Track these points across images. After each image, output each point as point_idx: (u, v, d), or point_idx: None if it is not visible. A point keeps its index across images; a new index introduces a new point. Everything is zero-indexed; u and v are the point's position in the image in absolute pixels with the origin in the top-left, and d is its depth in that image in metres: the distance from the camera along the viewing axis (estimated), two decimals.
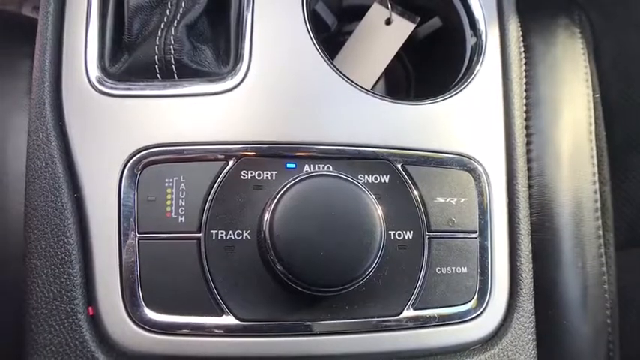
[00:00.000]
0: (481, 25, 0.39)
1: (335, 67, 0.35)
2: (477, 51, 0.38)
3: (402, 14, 0.43)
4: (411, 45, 0.43)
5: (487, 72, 0.38)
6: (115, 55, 0.36)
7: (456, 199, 0.35)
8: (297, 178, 0.31)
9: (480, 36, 0.39)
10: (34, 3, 0.75)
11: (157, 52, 0.34)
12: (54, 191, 0.32)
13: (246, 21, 0.35)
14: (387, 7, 0.43)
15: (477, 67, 0.38)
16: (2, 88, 0.36)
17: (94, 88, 0.33)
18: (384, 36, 0.43)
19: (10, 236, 0.34)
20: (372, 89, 0.41)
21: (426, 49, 0.44)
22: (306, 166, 0.33)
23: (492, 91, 0.38)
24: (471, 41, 0.39)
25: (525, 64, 0.42)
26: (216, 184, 0.32)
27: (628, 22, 0.49)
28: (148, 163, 0.32)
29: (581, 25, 0.45)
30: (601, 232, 0.41)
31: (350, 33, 0.44)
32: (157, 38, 0.34)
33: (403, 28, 0.42)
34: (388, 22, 0.43)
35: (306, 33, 0.35)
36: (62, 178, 0.32)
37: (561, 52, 0.43)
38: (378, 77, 0.42)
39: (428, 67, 0.45)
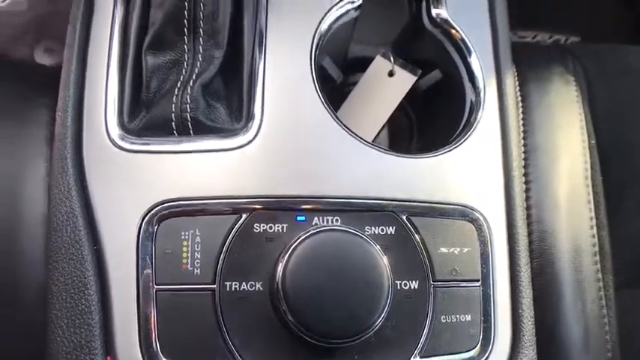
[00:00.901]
0: (480, 82, 0.40)
1: (341, 122, 0.37)
2: (476, 106, 0.40)
3: (403, 67, 0.45)
4: (413, 96, 0.44)
5: (486, 124, 0.39)
6: (132, 111, 0.37)
7: (459, 249, 0.36)
8: (307, 232, 0.33)
9: (479, 93, 0.40)
10: (45, 45, 0.77)
11: (173, 109, 0.36)
12: (75, 244, 0.33)
13: (257, 80, 0.36)
14: (390, 60, 0.45)
15: (477, 120, 0.39)
16: (20, 136, 0.38)
17: (114, 144, 0.35)
18: (386, 87, 0.44)
19: (22, 279, 0.35)
20: (375, 138, 0.43)
21: (428, 99, 0.46)
22: (316, 218, 0.34)
23: (491, 142, 0.39)
24: (470, 94, 0.41)
25: (522, 112, 0.43)
26: (230, 236, 0.33)
27: (620, 69, 0.51)
28: (164, 217, 0.34)
29: (575, 72, 0.47)
30: (600, 275, 0.42)
31: (354, 83, 0.46)
32: (174, 97, 0.36)
33: (405, 80, 0.44)
34: (391, 74, 0.45)
35: (314, 91, 0.37)
36: (83, 231, 0.33)
37: (556, 99, 0.45)
38: (381, 127, 0.44)
39: (430, 117, 0.47)
